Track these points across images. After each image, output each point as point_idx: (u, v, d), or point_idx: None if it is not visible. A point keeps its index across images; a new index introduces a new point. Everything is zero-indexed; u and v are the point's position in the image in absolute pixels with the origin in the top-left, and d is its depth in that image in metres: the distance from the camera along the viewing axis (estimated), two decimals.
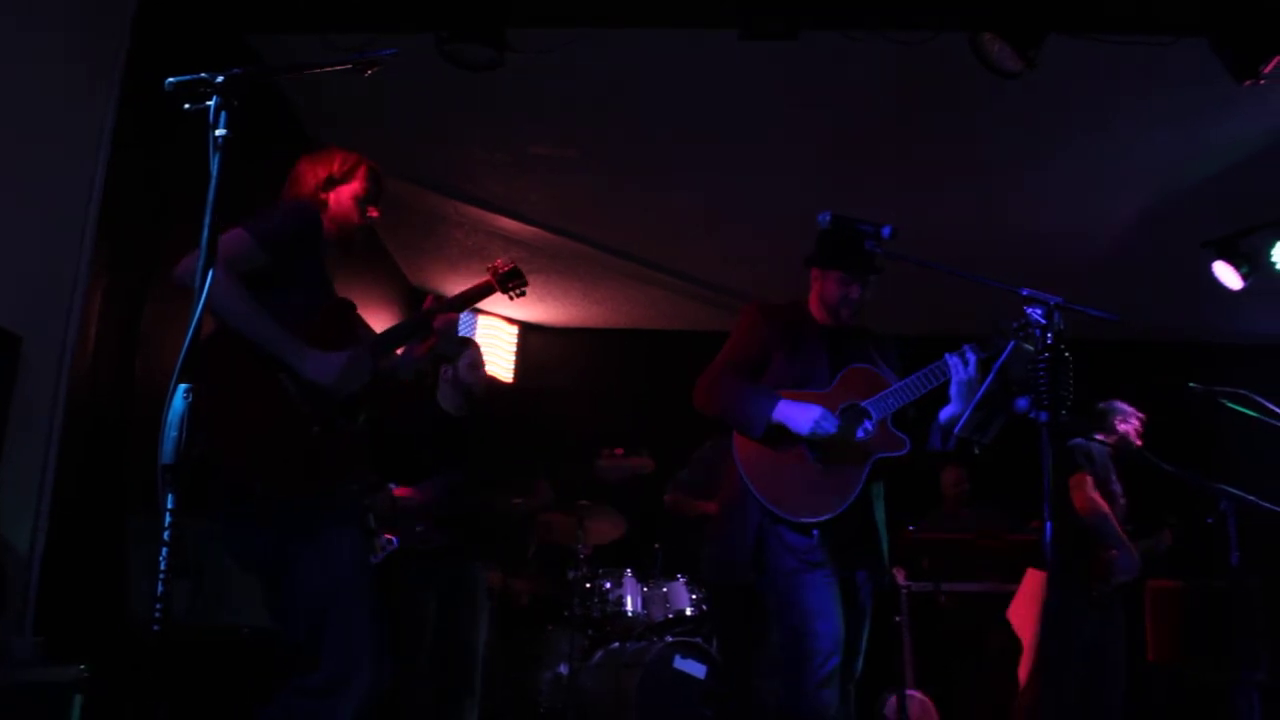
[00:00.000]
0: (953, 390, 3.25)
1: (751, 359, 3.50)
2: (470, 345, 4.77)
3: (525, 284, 3.41)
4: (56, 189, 3.82)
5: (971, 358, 3.22)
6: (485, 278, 3.36)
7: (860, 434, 3.32)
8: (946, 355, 3.26)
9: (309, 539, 2.64)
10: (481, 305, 8.19)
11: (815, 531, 3.28)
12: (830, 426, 3.24)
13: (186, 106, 2.03)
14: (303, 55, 4.61)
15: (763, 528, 3.32)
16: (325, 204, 2.97)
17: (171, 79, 2.02)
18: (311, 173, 2.98)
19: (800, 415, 3.26)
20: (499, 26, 4.38)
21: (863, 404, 3.34)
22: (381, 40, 4.23)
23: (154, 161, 4.21)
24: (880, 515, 3.48)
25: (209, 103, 2.01)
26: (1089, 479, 4.98)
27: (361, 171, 3.02)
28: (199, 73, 2.03)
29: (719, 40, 4.52)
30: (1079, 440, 5.10)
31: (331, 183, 2.98)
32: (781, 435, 3.31)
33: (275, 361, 2.66)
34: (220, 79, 2.02)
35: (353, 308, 3.00)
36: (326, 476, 2.72)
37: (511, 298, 3.40)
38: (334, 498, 2.74)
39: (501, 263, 3.39)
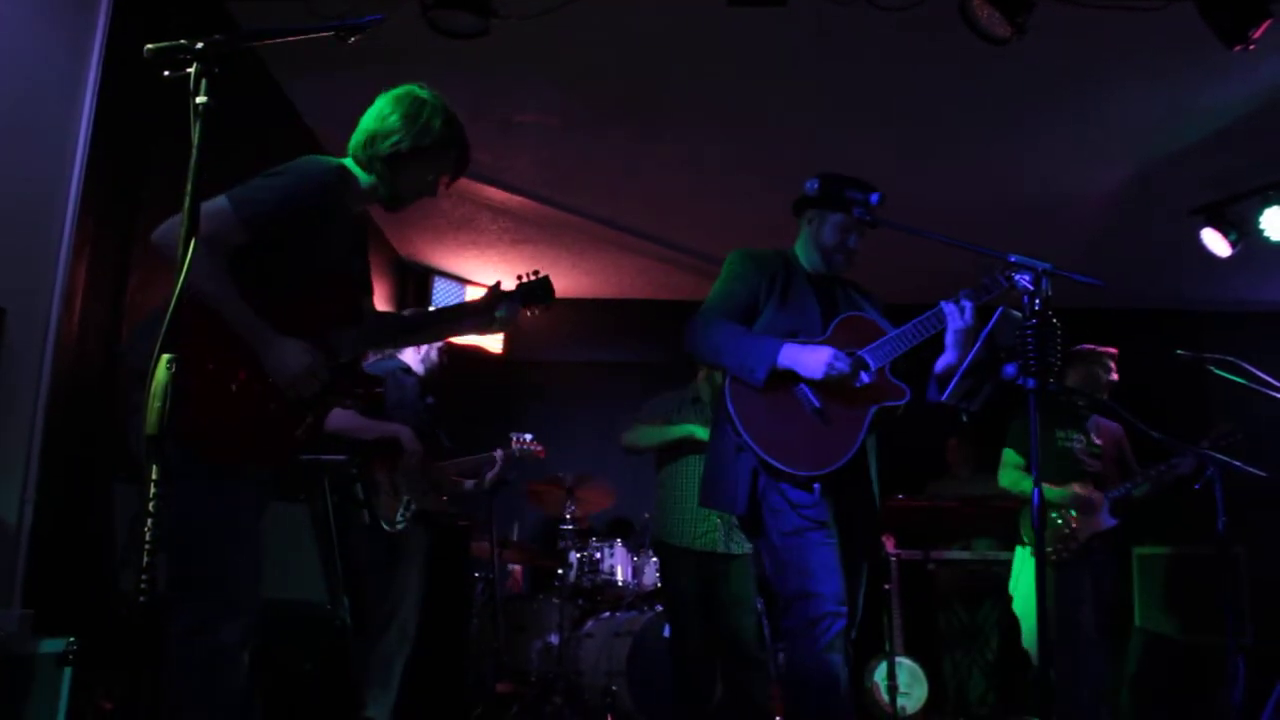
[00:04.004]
0: (949, 339, 3.15)
1: (743, 306, 3.31)
2: None
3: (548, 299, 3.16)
4: (38, 157, 3.77)
5: (968, 305, 3.12)
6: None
7: (859, 383, 3.15)
8: (942, 303, 3.16)
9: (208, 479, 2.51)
10: (470, 276, 8.20)
11: (816, 486, 3.12)
12: (844, 365, 3.07)
13: (166, 74, 1.99)
14: (285, 21, 4.54)
15: (759, 484, 3.17)
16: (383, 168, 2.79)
17: (150, 46, 1.98)
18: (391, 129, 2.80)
19: (810, 358, 3.08)
20: None
21: (860, 352, 3.18)
22: (365, 7, 4.17)
23: (137, 129, 4.17)
24: (874, 471, 3.35)
25: (189, 70, 1.97)
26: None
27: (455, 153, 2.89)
28: (179, 39, 1.99)
29: (707, 6, 4.48)
30: None
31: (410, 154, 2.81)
32: (780, 384, 3.14)
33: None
34: (200, 45, 1.97)
35: (354, 284, 2.81)
36: (272, 452, 2.62)
37: (531, 315, 3.14)
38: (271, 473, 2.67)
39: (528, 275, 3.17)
